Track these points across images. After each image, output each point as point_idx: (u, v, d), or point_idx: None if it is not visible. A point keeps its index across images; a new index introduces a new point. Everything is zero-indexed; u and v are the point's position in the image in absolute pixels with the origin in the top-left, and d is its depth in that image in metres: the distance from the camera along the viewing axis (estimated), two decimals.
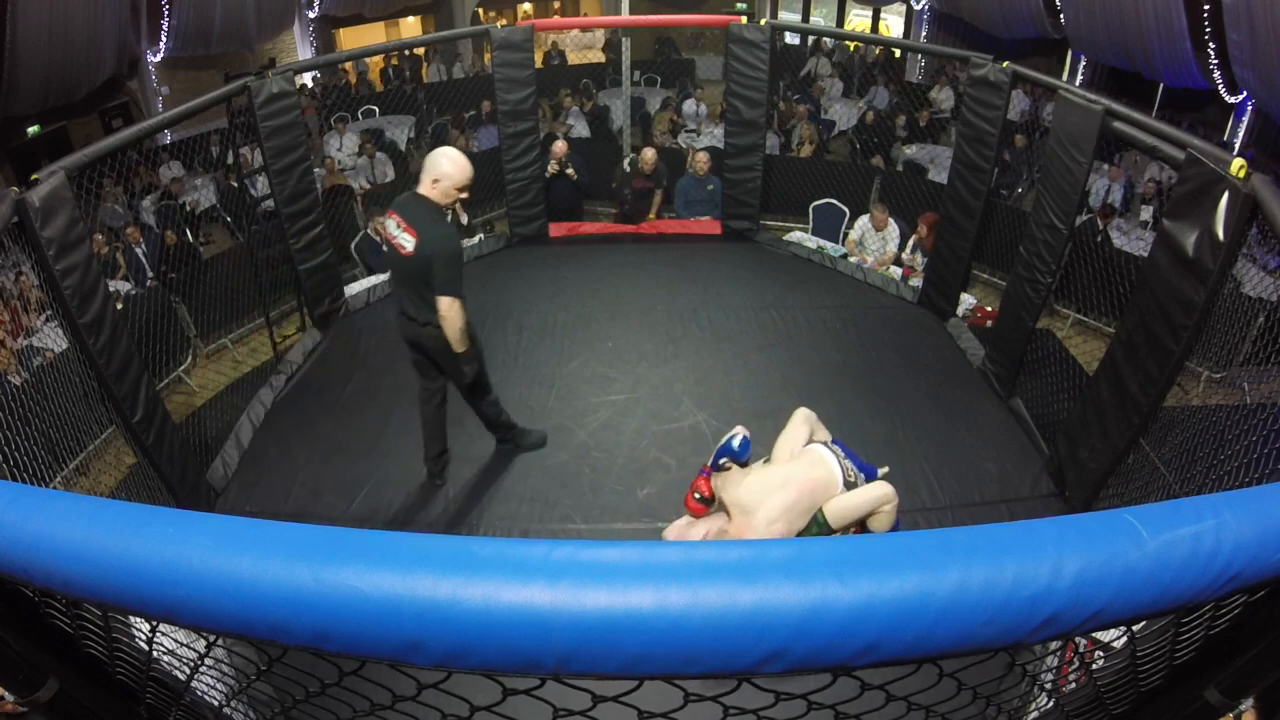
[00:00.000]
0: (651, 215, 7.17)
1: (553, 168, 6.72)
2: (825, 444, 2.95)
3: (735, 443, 2.84)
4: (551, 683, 0.72)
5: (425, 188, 3.32)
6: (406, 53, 15.00)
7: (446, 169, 3.29)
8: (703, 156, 7.02)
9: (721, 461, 2.86)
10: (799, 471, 2.80)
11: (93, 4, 8.53)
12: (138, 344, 3.74)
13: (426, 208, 3.34)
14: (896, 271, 6.43)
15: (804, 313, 5.70)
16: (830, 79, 12.98)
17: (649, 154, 7.12)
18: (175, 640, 1.04)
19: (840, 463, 2.86)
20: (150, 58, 10.94)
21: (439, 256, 3.29)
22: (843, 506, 2.75)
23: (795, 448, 2.92)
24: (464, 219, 6.86)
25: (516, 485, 4.12)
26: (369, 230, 6.68)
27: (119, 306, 3.78)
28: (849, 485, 2.82)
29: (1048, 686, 1.35)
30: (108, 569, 0.73)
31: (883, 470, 3.08)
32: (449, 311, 3.32)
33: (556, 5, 18.86)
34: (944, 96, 11.12)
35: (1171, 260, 3.21)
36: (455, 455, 4.32)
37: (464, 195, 3.36)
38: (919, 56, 14.11)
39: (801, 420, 3.01)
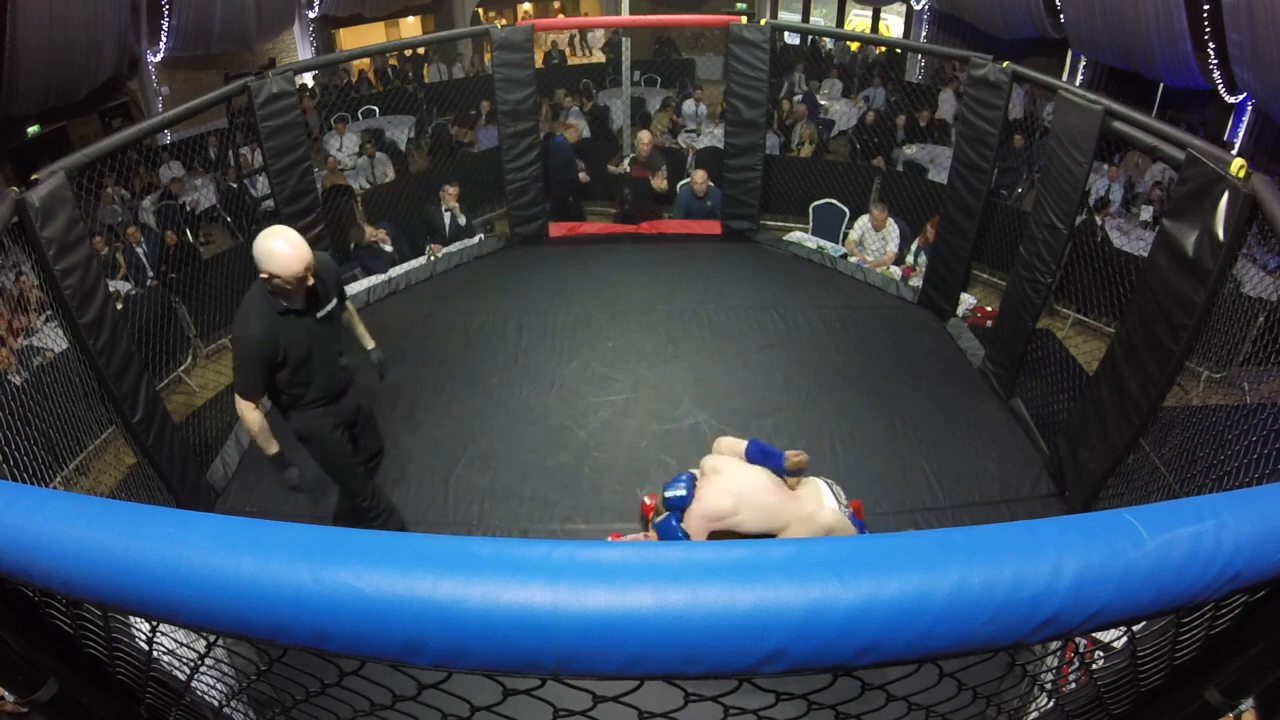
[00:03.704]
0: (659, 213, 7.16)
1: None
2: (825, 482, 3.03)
3: (684, 494, 2.94)
4: (551, 683, 0.72)
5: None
6: (407, 53, 15.01)
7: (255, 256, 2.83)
8: (700, 175, 7.00)
9: (669, 495, 2.98)
10: (775, 483, 2.93)
11: (93, 4, 8.52)
12: (138, 344, 3.73)
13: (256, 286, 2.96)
14: (896, 271, 6.43)
15: (804, 313, 5.70)
16: (816, 84, 12.87)
17: (645, 137, 7.10)
18: (175, 640, 1.04)
19: (834, 499, 2.94)
20: (150, 58, 10.94)
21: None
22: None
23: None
24: (462, 220, 6.91)
25: (516, 485, 4.12)
26: (367, 237, 6.66)
27: (119, 306, 3.78)
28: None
29: (1048, 686, 1.35)
30: (108, 569, 0.73)
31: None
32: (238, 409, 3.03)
33: (556, 5, 18.86)
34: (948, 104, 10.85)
35: (1171, 260, 3.21)
36: (454, 455, 4.32)
37: (287, 287, 2.83)
38: (919, 57, 14.10)
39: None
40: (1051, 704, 1.27)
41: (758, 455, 3.00)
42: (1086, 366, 4.84)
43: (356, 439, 3.46)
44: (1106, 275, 5.94)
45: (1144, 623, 0.80)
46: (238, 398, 3.00)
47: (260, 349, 2.89)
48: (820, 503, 2.90)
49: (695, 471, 3.06)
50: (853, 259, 6.66)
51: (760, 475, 2.91)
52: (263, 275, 2.83)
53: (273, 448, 3.13)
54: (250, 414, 3.00)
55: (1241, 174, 2.87)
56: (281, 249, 2.79)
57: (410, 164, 10.09)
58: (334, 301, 3.13)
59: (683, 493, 2.87)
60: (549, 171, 6.93)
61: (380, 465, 3.74)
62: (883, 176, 7.77)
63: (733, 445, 3.11)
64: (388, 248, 6.61)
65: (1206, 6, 8.02)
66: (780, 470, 2.92)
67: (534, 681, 0.74)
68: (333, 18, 14.30)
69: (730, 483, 2.86)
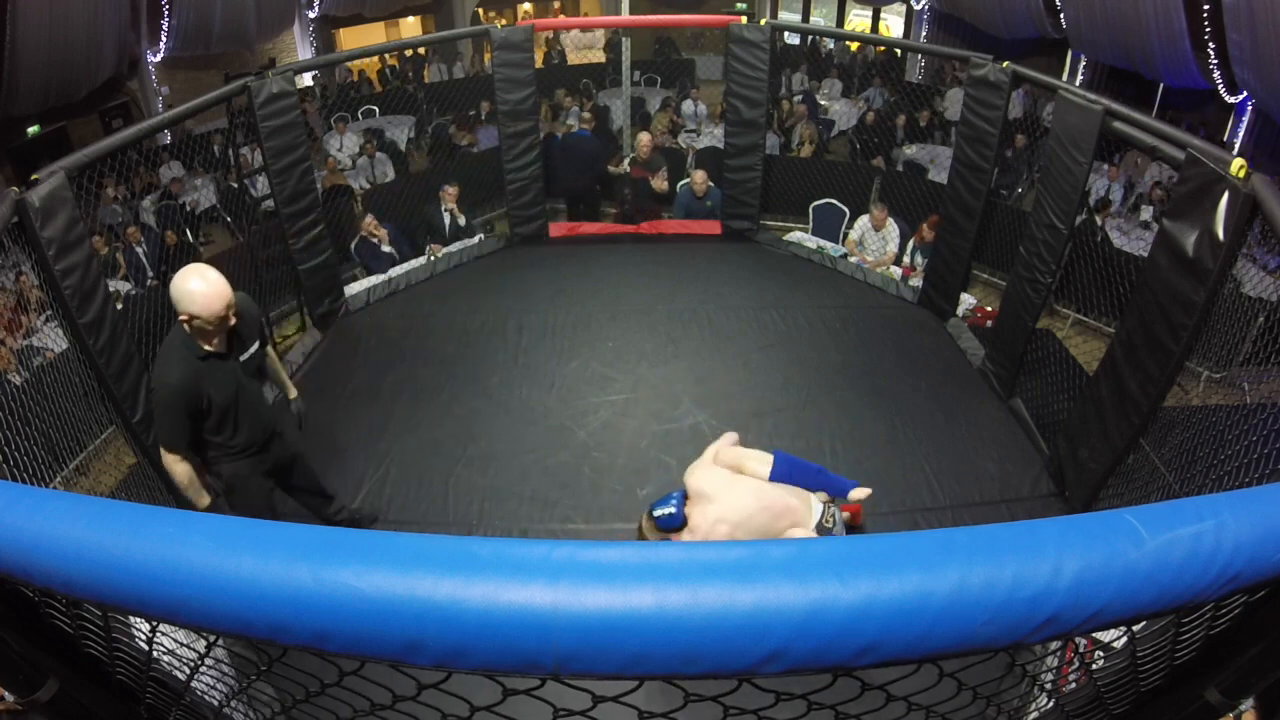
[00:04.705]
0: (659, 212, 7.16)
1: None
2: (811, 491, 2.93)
3: (674, 513, 2.75)
4: (551, 683, 0.72)
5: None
6: (407, 53, 15.02)
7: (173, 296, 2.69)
8: (700, 175, 7.01)
9: (658, 514, 2.79)
10: (774, 492, 2.79)
11: (93, 4, 8.52)
12: (138, 344, 3.73)
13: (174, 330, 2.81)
14: (896, 271, 6.43)
15: (804, 313, 5.70)
16: (816, 84, 12.86)
17: (645, 139, 7.11)
18: (175, 640, 1.04)
19: (824, 510, 2.84)
20: (150, 58, 10.94)
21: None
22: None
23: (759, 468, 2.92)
24: (462, 220, 6.91)
25: (516, 485, 4.12)
26: (363, 233, 6.66)
27: (119, 306, 3.78)
28: (823, 530, 2.79)
29: (1048, 686, 1.35)
30: (108, 569, 0.73)
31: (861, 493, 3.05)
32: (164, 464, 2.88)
33: (556, 5, 18.86)
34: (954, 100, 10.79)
35: (1171, 260, 3.21)
36: (454, 455, 4.32)
37: (208, 328, 2.69)
38: (919, 57, 14.11)
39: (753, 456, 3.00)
40: (1051, 704, 1.27)
41: (783, 471, 2.85)
42: (1086, 366, 4.84)
43: (291, 486, 3.39)
44: (1106, 275, 5.94)
45: (1144, 623, 0.80)
46: (162, 451, 2.81)
47: (181, 396, 2.71)
48: (810, 518, 2.81)
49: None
50: (853, 259, 6.66)
51: (755, 496, 2.76)
52: (181, 318, 2.68)
53: (204, 500, 2.94)
54: (178, 466, 2.83)
55: (1241, 174, 2.87)
56: (200, 288, 2.64)
57: (410, 164, 10.09)
58: (256, 344, 2.99)
59: (673, 510, 2.72)
60: (567, 168, 6.91)
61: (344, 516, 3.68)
62: (883, 176, 7.78)
63: (739, 457, 2.94)
64: (387, 248, 6.61)
65: (1206, 6, 8.02)
66: (841, 494, 2.86)
67: (534, 681, 0.74)
68: (333, 18, 14.30)
69: (726, 510, 2.71)
